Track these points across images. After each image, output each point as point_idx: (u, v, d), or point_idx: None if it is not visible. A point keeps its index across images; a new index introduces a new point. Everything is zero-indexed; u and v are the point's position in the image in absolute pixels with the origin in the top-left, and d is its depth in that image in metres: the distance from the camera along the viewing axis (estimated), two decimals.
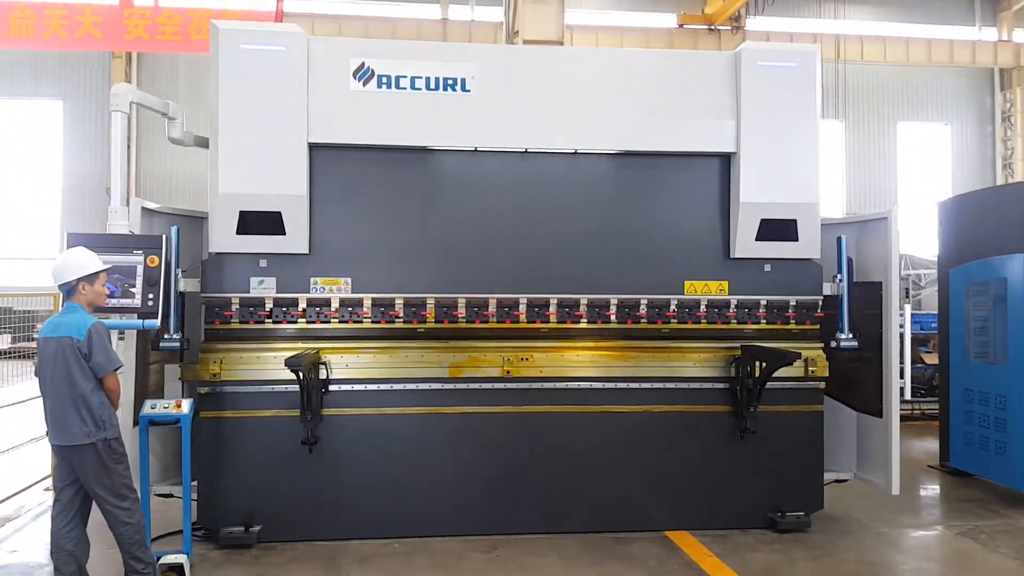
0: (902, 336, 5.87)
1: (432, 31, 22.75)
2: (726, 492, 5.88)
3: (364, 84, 5.43)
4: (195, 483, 5.41)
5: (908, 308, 5.92)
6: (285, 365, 4.87)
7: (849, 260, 5.95)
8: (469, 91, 5.53)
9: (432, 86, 5.50)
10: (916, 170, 26.30)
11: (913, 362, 10.85)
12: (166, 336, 5.28)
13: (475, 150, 5.64)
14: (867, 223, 6.20)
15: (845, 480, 6.27)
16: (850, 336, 5.91)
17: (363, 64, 5.43)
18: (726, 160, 5.84)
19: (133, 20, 9.75)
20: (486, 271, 5.67)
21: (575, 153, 5.74)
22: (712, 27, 25.58)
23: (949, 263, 7.48)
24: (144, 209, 5.29)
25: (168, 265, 5.19)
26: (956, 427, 7.01)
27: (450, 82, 5.51)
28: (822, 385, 5.97)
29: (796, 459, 5.91)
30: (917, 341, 10.76)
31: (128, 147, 19.53)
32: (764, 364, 5.55)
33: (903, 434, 9.27)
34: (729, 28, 25.81)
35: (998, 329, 6.52)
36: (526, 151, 5.68)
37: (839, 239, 5.92)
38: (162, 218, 5.52)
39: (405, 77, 5.47)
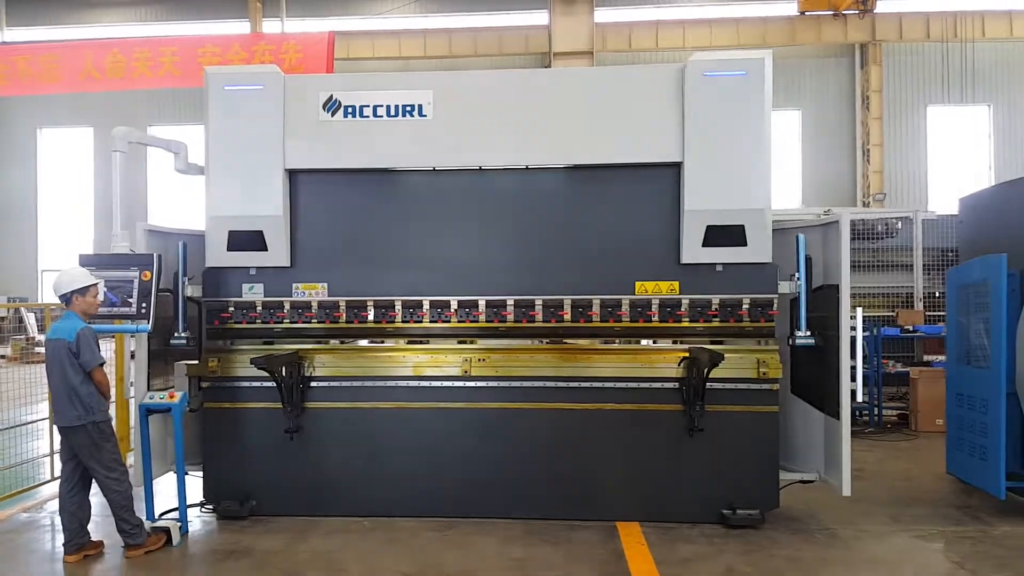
0: (853, 340, 5.86)
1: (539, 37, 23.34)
2: (680, 487, 6.12)
3: (332, 115, 6.13)
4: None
5: (860, 311, 5.88)
6: (251, 363, 5.69)
7: (808, 259, 6.01)
8: (426, 116, 6.10)
9: (392, 113, 6.12)
10: None
11: None
12: (176, 335, 6.22)
13: (434, 169, 6.21)
14: (831, 225, 6.22)
15: (811, 481, 6.33)
16: (807, 334, 5.98)
17: (331, 96, 6.13)
18: (676, 169, 6.07)
19: (206, 58, 11.03)
20: (447, 275, 6.21)
21: (527, 168, 6.18)
22: (837, 12, 24.58)
23: None
24: (151, 231, 6.25)
25: (176, 274, 6.16)
26: (951, 433, 6.83)
27: (408, 108, 6.11)
28: (775, 387, 6.09)
29: (750, 458, 6.07)
30: None
31: None
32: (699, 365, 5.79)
33: (940, 441, 9.05)
34: (856, 12, 24.69)
35: (985, 332, 6.32)
36: (480, 168, 6.18)
37: (797, 237, 6.00)
38: (174, 237, 6.45)
39: (368, 106, 6.12)
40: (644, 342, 6.34)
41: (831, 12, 24.61)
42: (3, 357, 17.86)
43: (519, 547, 5.59)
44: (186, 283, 6.23)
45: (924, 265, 10.99)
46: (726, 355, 6.04)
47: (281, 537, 5.81)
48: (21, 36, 25.12)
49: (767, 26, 24.63)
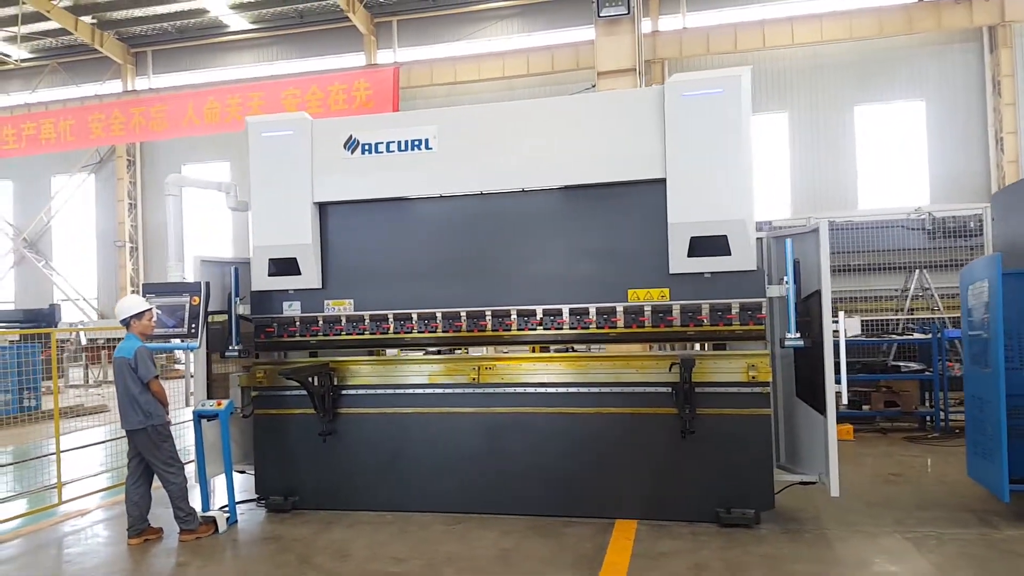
0: (836, 343, 5.98)
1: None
2: (678, 488, 6.44)
3: (352, 152, 6.89)
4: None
5: (843, 315, 6.00)
6: (280, 375, 6.52)
7: (796, 262, 6.20)
8: (432, 148, 6.74)
9: (403, 147, 6.80)
10: None
11: None
12: (230, 347, 7.15)
13: (440, 196, 6.84)
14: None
15: (812, 482, 6.48)
16: (797, 336, 6.16)
17: (351, 136, 6.89)
18: (662, 185, 6.39)
19: (288, 100, 12.13)
20: (457, 290, 6.79)
21: (524, 191, 6.69)
22: None
23: None
24: (204, 261, 7.22)
25: (230, 295, 7.10)
26: (969, 435, 6.73)
27: (416, 143, 6.78)
28: (766, 390, 6.30)
29: (744, 459, 6.30)
30: None
31: None
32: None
33: None
34: None
35: (985, 332, 6.26)
36: (481, 193, 6.75)
37: (785, 242, 6.23)
38: (227, 265, 7.39)
39: (382, 143, 6.84)
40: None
41: None
42: None
43: (512, 540, 6.10)
44: (238, 303, 7.16)
45: None
46: (718, 360, 6.39)
47: (310, 527, 6.59)
48: (164, 83, 27.90)
49: (881, 17, 23.76)
